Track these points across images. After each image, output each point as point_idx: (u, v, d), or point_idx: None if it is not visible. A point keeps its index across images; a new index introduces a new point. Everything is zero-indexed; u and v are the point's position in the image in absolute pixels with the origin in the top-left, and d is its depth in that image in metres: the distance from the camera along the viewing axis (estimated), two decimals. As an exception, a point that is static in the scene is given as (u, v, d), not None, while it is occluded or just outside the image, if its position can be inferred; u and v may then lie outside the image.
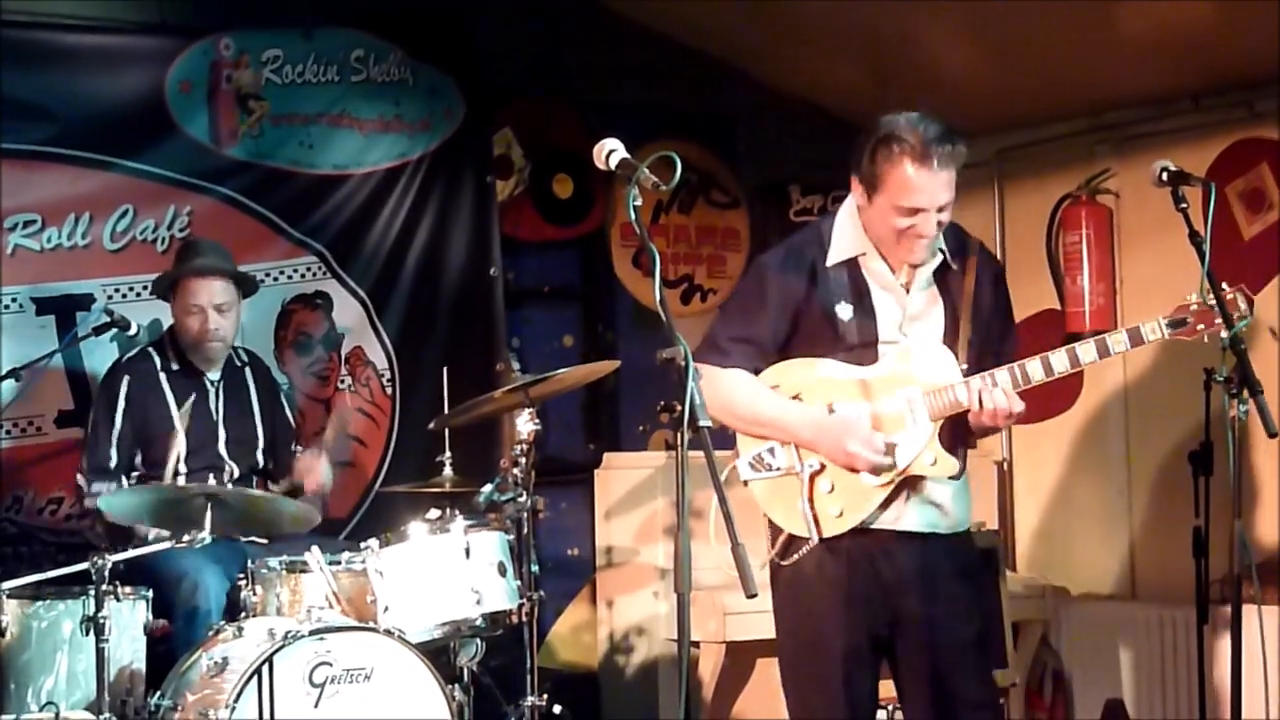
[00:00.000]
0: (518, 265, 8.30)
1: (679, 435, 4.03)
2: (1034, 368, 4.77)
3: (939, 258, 4.92)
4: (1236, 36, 7.11)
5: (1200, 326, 4.77)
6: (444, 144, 7.95)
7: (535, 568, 6.25)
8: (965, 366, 4.85)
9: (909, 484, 4.85)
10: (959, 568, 4.97)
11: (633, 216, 4.14)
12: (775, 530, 4.93)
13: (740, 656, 7.41)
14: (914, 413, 4.81)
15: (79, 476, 6.60)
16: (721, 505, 4.01)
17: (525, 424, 6.20)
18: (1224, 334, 4.75)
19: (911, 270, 4.90)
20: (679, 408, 4.00)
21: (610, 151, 4.28)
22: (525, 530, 6.22)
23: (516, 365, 7.39)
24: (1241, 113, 7.65)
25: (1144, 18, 7.16)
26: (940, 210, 4.75)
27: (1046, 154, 8.05)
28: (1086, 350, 4.75)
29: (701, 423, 3.98)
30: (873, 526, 4.84)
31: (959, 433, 4.90)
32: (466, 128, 8.01)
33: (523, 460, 6.19)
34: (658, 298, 4.14)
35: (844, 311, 4.86)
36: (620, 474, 8.03)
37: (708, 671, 7.33)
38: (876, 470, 4.78)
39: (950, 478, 4.89)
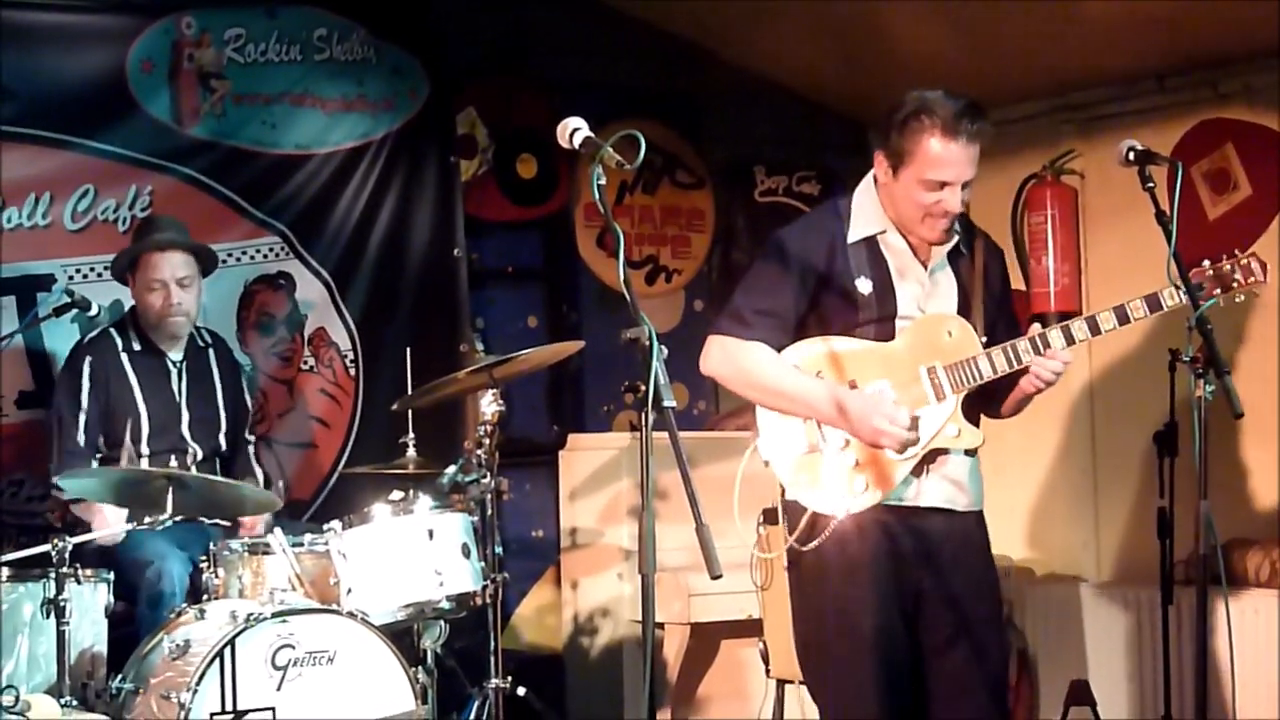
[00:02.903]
0: (481, 246, 8.26)
1: (643, 416, 4.02)
2: (1054, 336, 4.80)
3: (955, 238, 4.94)
4: (1201, 17, 7.11)
5: (1218, 291, 4.81)
6: (407, 124, 7.91)
7: (499, 549, 6.22)
8: (984, 339, 4.87)
9: (929, 459, 4.87)
10: (977, 544, 4.99)
11: (597, 196, 4.13)
12: (794, 514, 4.90)
13: (705, 638, 7.41)
14: (937, 386, 4.84)
15: (51, 464, 6.53)
16: (686, 486, 3.99)
17: (489, 405, 6.17)
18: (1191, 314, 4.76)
19: (929, 249, 4.91)
20: (643, 388, 3.99)
21: (574, 130, 4.25)
22: (489, 512, 6.20)
23: (480, 346, 7.37)
24: (1206, 93, 7.66)
25: (1109, -1, 7.17)
26: (964, 187, 4.78)
27: (1011, 134, 8.03)
28: (1106, 317, 4.79)
29: (666, 403, 3.96)
30: (891, 503, 4.85)
31: (976, 408, 4.94)
32: (430, 107, 7.96)
33: (486, 441, 6.16)
34: (622, 278, 4.12)
35: (864, 286, 4.87)
36: (584, 455, 8.01)
37: (672, 653, 7.32)
38: (903, 446, 4.78)
39: (968, 451, 4.92)
